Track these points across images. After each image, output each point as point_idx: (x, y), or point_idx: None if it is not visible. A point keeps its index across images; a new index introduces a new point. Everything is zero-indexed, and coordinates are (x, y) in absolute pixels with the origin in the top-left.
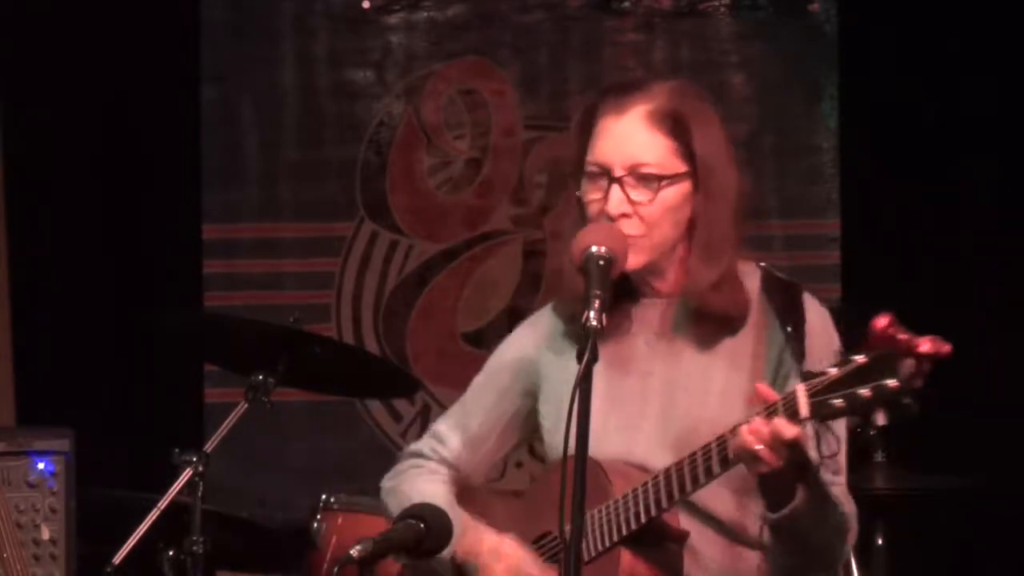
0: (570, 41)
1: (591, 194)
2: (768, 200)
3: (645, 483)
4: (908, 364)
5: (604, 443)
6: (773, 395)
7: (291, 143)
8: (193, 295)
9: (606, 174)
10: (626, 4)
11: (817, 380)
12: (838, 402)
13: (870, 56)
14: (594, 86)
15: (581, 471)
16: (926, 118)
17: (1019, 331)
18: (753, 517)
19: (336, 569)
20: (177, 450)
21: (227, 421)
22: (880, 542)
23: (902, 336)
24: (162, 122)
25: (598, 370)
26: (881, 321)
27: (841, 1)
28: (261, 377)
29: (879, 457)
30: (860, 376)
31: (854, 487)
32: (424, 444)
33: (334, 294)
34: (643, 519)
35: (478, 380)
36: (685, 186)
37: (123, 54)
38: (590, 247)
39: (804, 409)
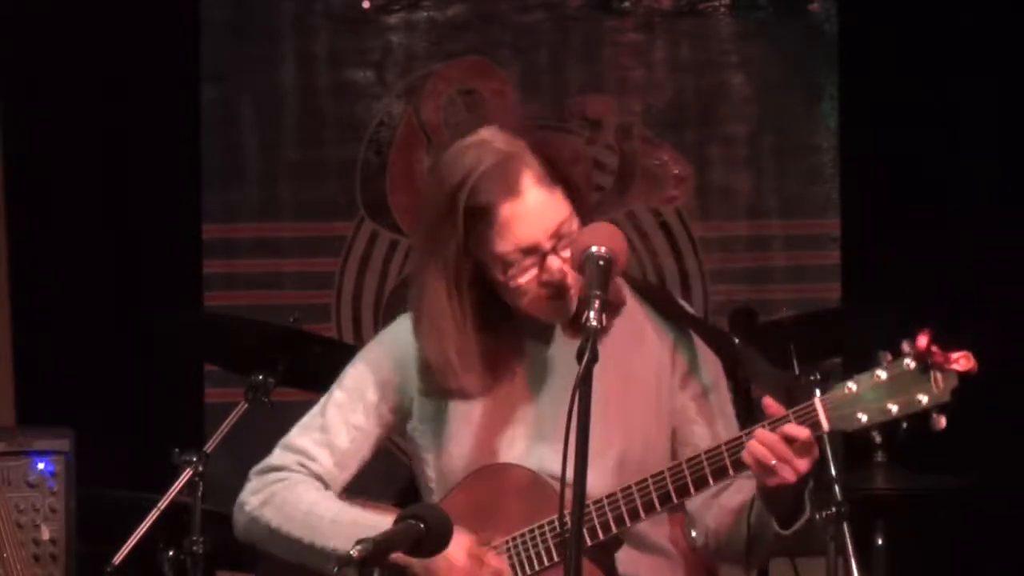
0: (570, 41)
1: (520, 274)
2: (768, 200)
3: (614, 494)
4: (940, 379)
5: (533, 455)
6: (780, 408)
7: (291, 143)
8: (193, 295)
9: (534, 253)
10: (626, 4)
11: (836, 394)
12: (862, 416)
13: (870, 56)
14: (594, 86)
15: (581, 471)
16: (926, 118)
17: (1019, 331)
18: (651, 523)
19: (336, 569)
20: (177, 450)
21: (227, 421)
22: (880, 542)
23: (938, 352)
24: (162, 122)
25: (492, 396)
26: (923, 339)
27: (841, 1)
28: (261, 377)
29: (879, 457)
30: (885, 391)
31: (854, 487)
32: (288, 459)
33: (334, 294)
34: (614, 528)
35: (338, 397)
36: (576, 217)
37: (123, 54)
38: (590, 247)
39: (826, 423)
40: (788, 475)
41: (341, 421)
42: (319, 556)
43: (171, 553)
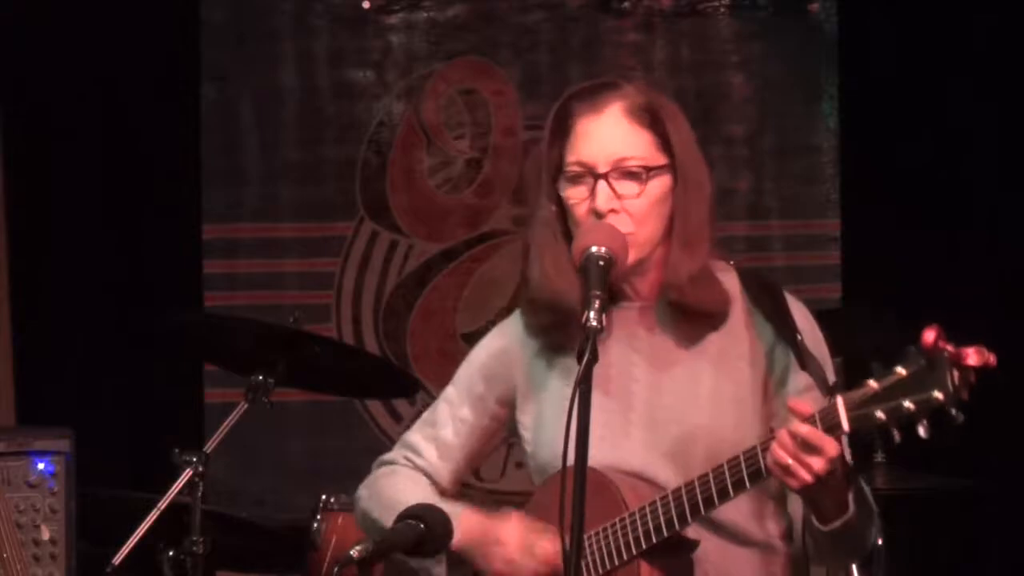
0: (570, 41)
1: (575, 195)
2: (768, 200)
3: (665, 496)
4: (954, 376)
5: (592, 448)
6: (808, 408)
7: (291, 143)
8: (193, 295)
9: (590, 173)
10: (626, 4)
11: (856, 393)
12: (880, 415)
13: (870, 56)
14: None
15: (581, 471)
16: (926, 118)
17: (1019, 331)
18: (748, 518)
19: (336, 569)
20: (177, 450)
21: (227, 421)
22: (880, 542)
23: (950, 348)
24: (162, 122)
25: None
26: (930, 335)
27: (841, 1)
28: (261, 377)
29: (879, 457)
30: (903, 388)
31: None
32: (396, 455)
33: (334, 294)
34: (666, 532)
35: (449, 391)
36: (667, 179)
37: (123, 54)
38: (590, 247)
39: (845, 423)
40: (804, 475)
41: (449, 415)
42: None
43: (171, 553)
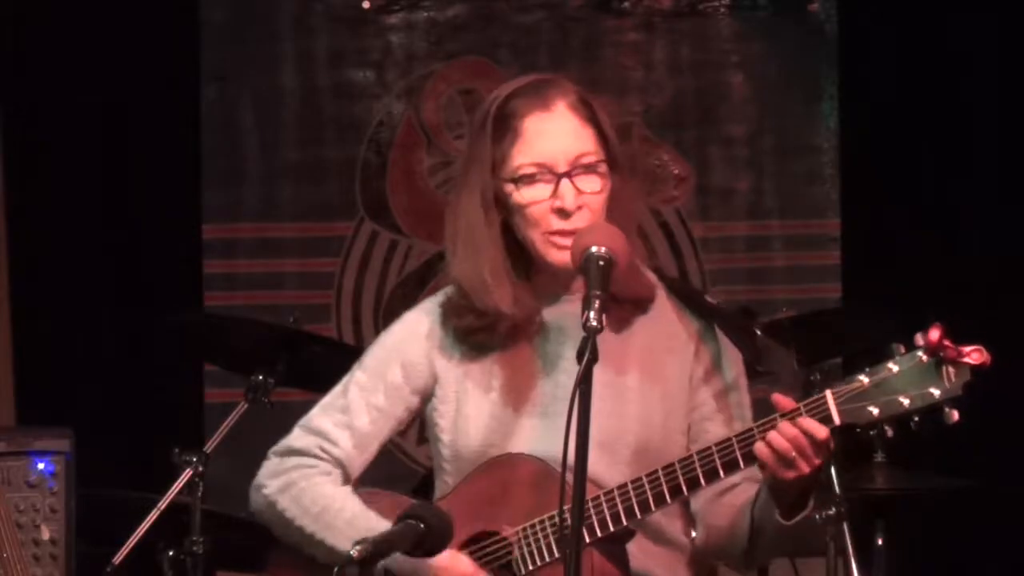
0: (570, 41)
1: (530, 196)
2: (768, 200)
3: (624, 486)
4: (952, 373)
5: (531, 446)
6: (791, 402)
7: (291, 143)
8: (193, 295)
9: (550, 172)
10: (626, 4)
11: (847, 387)
12: (874, 409)
13: (870, 56)
14: (594, 86)
15: (581, 471)
16: (926, 118)
17: (1019, 331)
18: (668, 516)
19: (336, 569)
20: (177, 450)
21: (227, 421)
22: (880, 542)
23: (950, 346)
24: (162, 122)
25: (508, 375)
26: (934, 333)
27: (841, 1)
28: (261, 377)
29: (879, 457)
30: (897, 384)
31: (854, 487)
32: (308, 442)
33: (334, 294)
34: (624, 521)
35: (359, 378)
36: (606, 171)
37: (123, 54)
38: (590, 247)
39: (837, 416)
40: (804, 468)
41: (363, 402)
42: (331, 554)
43: (171, 553)
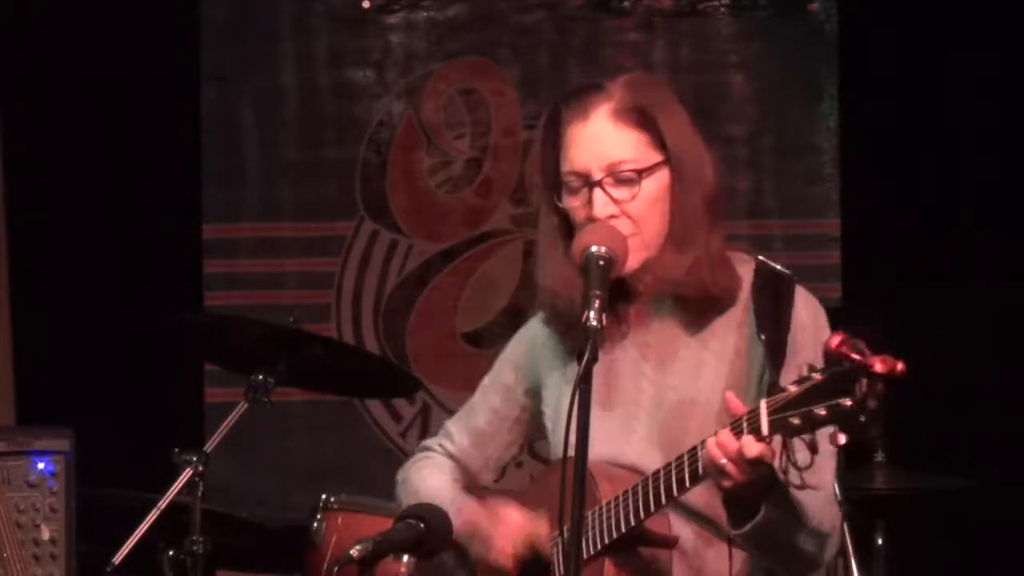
0: (570, 41)
1: (574, 204)
2: (768, 200)
3: (626, 489)
4: (863, 383)
5: (594, 446)
6: (740, 408)
7: (291, 143)
8: (193, 295)
9: (585, 180)
10: (626, 4)
11: (779, 396)
12: (795, 420)
13: (870, 56)
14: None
15: (581, 471)
16: (926, 118)
17: (1019, 331)
18: (705, 505)
19: (336, 569)
20: (177, 450)
21: (227, 421)
22: (880, 542)
23: (855, 355)
24: (162, 122)
25: (595, 373)
26: (834, 339)
27: (841, 1)
28: (261, 377)
29: (879, 457)
30: (817, 394)
31: (854, 487)
32: (433, 440)
33: (334, 294)
34: (623, 527)
35: (484, 381)
36: (664, 176)
37: (123, 54)
38: (590, 247)
39: (765, 426)
40: (737, 477)
41: (484, 404)
42: None
43: (171, 553)
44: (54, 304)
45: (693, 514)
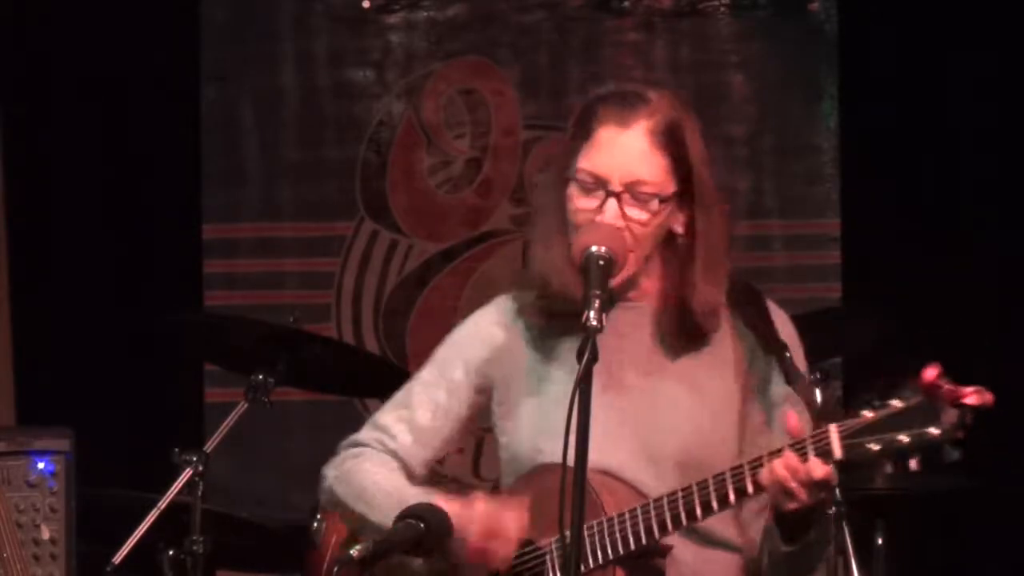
0: (570, 41)
1: (580, 201)
2: (768, 200)
3: (647, 504)
4: (951, 414)
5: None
6: (802, 430)
7: (291, 143)
8: (193, 295)
9: (602, 186)
10: (626, 4)
11: (852, 422)
12: (874, 446)
13: (870, 56)
14: (594, 86)
15: (581, 471)
16: (926, 117)
17: (1019, 331)
18: (722, 520)
19: (336, 569)
20: (177, 450)
21: (227, 421)
22: (880, 542)
23: (948, 387)
24: (162, 122)
25: (561, 379)
26: (931, 372)
27: (841, 1)
28: (261, 377)
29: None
30: (898, 421)
31: (854, 487)
32: (367, 436)
33: (334, 294)
34: (644, 540)
35: (425, 375)
36: (673, 205)
37: (123, 54)
38: (590, 247)
39: (838, 451)
40: (804, 499)
41: (425, 399)
42: (374, 530)
43: (171, 553)
44: (54, 304)
45: (690, 528)
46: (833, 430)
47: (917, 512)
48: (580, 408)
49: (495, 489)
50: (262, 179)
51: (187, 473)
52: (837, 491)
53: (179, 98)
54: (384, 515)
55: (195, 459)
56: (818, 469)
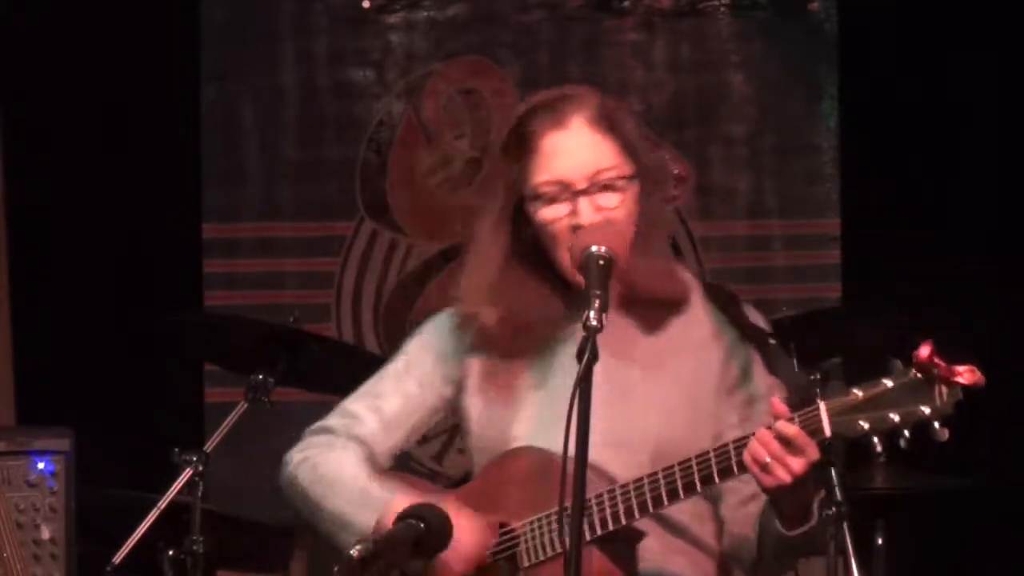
0: (570, 41)
1: (551, 214)
2: (768, 200)
3: (626, 486)
4: (942, 392)
5: (543, 436)
6: (786, 410)
7: (291, 143)
8: (193, 295)
9: (565, 189)
10: (626, 4)
11: (841, 400)
12: (864, 423)
13: (870, 56)
14: (594, 86)
15: (581, 471)
16: (926, 118)
17: (1019, 330)
18: (690, 515)
19: (336, 569)
20: (177, 450)
21: (227, 421)
22: (880, 542)
23: (942, 364)
24: (162, 122)
25: (543, 367)
26: (924, 350)
27: (841, 1)
28: (261, 377)
29: (879, 457)
30: (889, 400)
31: (854, 487)
32: (334, 421)
33: (334, 294)
34: (624, 520)
35: (395, 366)
36: (636, 185)
37: (123, 54)
38: (590, 247)
39: (827, 427)
40: (782, 474)
41: (394, 387)
42: (327, 518)
43: (171, 553)
44: (54, 304)
45: (659, 519)
46: (822, 406)
47: (917, 512)
48: (580, 408)
49: (464, 479)
50: (262, 179)
51: (187, 473)
52: (837, 491)
53: (179, 98)
54: (343, 502)
55: (195, 459)
56: (787, 428)
